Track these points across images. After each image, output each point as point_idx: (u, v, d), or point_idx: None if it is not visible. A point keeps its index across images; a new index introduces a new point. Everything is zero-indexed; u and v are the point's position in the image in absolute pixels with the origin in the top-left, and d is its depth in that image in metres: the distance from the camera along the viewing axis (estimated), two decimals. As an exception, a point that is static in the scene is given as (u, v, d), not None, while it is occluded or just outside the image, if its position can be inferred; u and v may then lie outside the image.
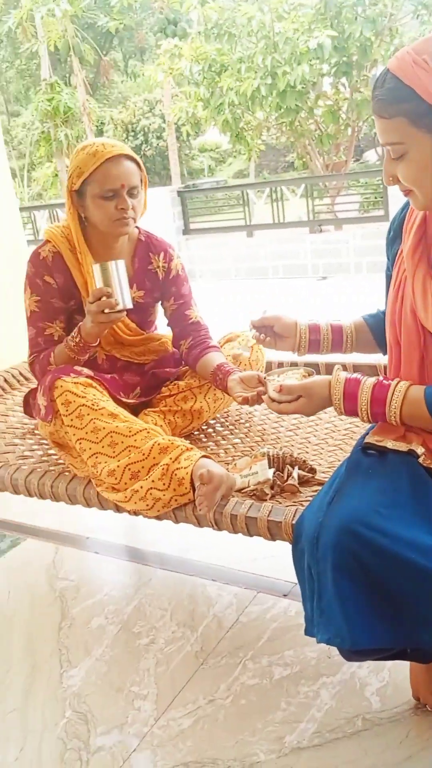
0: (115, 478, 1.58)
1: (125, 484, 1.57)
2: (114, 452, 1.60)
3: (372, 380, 1.32)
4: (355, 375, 1.35)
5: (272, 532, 1.42)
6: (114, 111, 20.81)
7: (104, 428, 1.61)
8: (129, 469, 1.57)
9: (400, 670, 1.58)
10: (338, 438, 1.89)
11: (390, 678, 1.59)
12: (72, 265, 1.84)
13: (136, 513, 1.61)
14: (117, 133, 20.64)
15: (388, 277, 1.46)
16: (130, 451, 1.59)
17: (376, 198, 8.61)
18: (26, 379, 2.56)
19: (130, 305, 1.67)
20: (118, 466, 1.58)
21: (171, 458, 1.56)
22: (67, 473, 1.79)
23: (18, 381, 2.54)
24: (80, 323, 1.74)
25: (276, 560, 2.01)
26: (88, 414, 1.63)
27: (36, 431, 2.12)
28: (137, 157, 1.81)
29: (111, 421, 1.63)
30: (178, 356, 2.02)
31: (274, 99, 8.56)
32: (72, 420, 1.64)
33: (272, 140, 10.93)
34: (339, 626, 1.14)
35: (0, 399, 2.42)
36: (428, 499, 1.21)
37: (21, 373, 2.57)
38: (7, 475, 1.82)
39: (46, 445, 2.02)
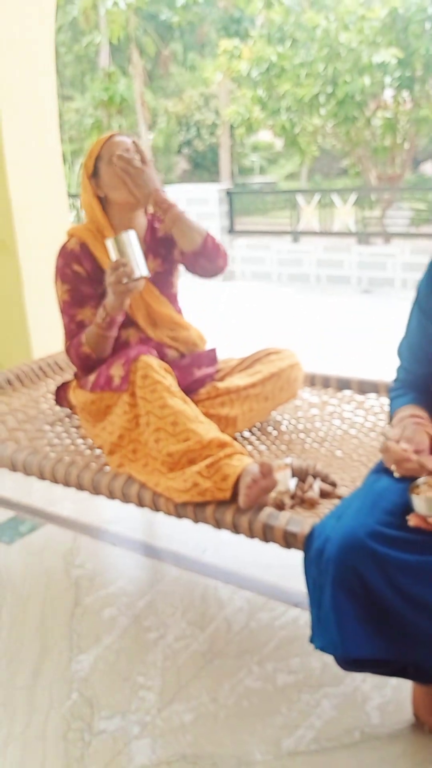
0: (173, 459, 1.64)
1: (181, 466, 1.63)
2: (175, 431, 1.65)
3: None
4: None
5: (288, 541, 1.45)
6: (169, 102, 20.91)
7: (172, 407, 1.68)
8: (187, 455, 1.63)
9: (403, 688, 1.60)
10: (363, 454, 1.91)
11: (392, 695, 1.61)
12: (98, 252, 1.94)
13: (165, 495, 1.63)
14: (170, 125, 20.74)
15: (430, 316, 1.42)
16: (189, 435, 1.64)
17: (428, 214, 8.52)
18: (61, 368, 2.63)
19: (146, 273, 1.74)
20: (177, 450, 1.64)
21: (225, 453, 1.61)
22: (93, 464, 1.85)
23: (53, 370, 2.62)
24: (104, 300, 1.82)
25: (290, 569, 2.03)
26: (162, 391, 1.70)
27: (66, 418, 2.18)
28: (136, 139, 1.96)
29: (180, 403, 1.70)
30: (213, 355, 2.06)
31: (332, 107, 8.53)
32: (145, 393, 1.71)
33: (327, 146, 10.89)
34: (333, 635, 1.21)
35: (34, 386, 2.49)
36: None
37: (56, 363, 2.65)
38: (35, 461, 1.88)
39: (75, 433, 2.08)
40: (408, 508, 1.27)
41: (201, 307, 6.21)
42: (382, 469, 1.40)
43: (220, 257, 1.95)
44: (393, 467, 1.30)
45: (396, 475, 1.30)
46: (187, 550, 2.25)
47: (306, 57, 8.63)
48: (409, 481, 1.30)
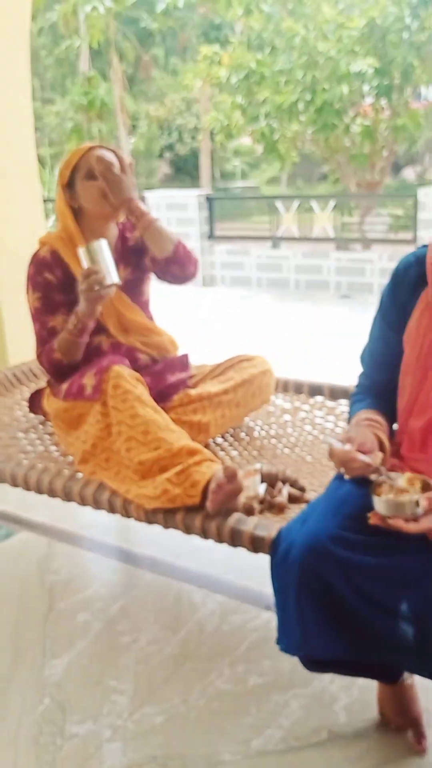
0: (145, 468, 1.66)
1: (153, 474, 1.66)
2: (146, 440, 1.68)
3: None
4: None
5: (255, 545, 1.49)
6: (150, 107, 20.93)
7: (143, 416, 1.71)
8: (158, 463, 1.66)
9: (370, 688, 1.64)
10: (332, 459, 1.94)
11: (359, 694, 1.65)
12: (69, 259, 1.97)
13: (136, 501, 1.66)
14: (152, 130, 20.76)
15: (393, 326, 1.45)
16: (160, 444, 1.67)
17: (406, 220, 8.62)
18: (35, 376, 2.65)
19: (117, 280, 1.78)
20: (148, 458, 1.66)
21: (195, 461, 1.64)
22: (66, 471, 1.87)
23: (27, 377, 2.63)
24: (76, 307, 1.85)
25: (263, 573, 2.02)
26: (133, 401, 1.73)
27: (40, 425, 2.20)
28: (117, 150, 1.97)
29: (151, 412, 1.73)
30: (185, 360, 2.09)
31: (311, 114, 8.62)
32: (116, 403, 1.74)
33: (307, 152, 10.99)
34: (296, 637, 1.25)
35: (8, 393, 2.51)
36: (399, 532, 1.27)
37: (31, 370, 2.66)
38: (8, 468, 1.90)
39: (49, 440, 2.10)
40: (368, 511, 1.30)
41: (181, 312, 6.25)
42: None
43: (191, 264, 1.99)
44: (342, 470, 1.32)
45: (346, 477, 1.33)
46: (161, 554, 2.28)
47: (285, 64, 8.70)
48: (369, 484, 1.34)
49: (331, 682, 1.69)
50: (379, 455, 1.32)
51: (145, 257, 2.05)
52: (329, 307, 6.76)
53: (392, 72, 8.33)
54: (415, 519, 1.21)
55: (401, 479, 1.30)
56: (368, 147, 9.47)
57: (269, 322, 6.19)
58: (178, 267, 1.98)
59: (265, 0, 8.87)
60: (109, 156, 1.93)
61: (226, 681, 1.72)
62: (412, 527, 1.20)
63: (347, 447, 1.30)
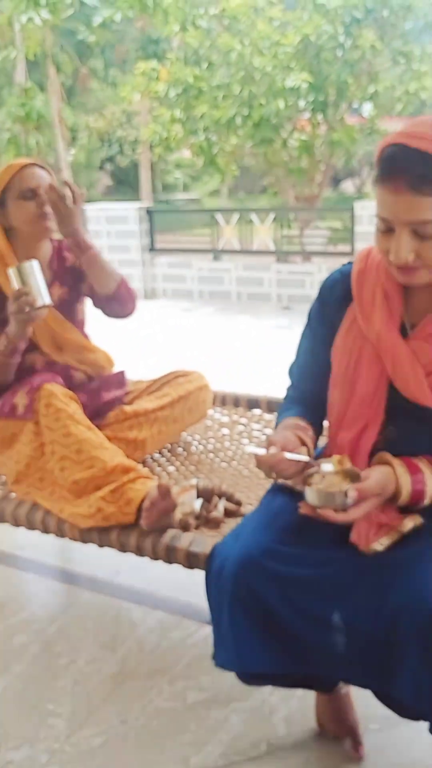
0: (79, 487, 1.65)
1: (87, 493, 1.64)
2: (80, 459, 1.67)
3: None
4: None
5: (191, 561, 1.50)
6: (90, 118, 20.81)
7: (76, 435, 1.69)
8: (92, 482, 1.64)
9: (308, 698, 1.65)
10: (268, 472, 1.96)
11: (298, 705, 1.67)
12: (0, 279, 1.93)
13: (70, 521, 1.65)
14: (92, 142, 20.65)
15: (321, 341, 1.46)
16: (94, 462, 1.66)
17: (344, 233, 8.81)
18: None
19: (48, 301, 1.76)
20: (82, 477, 1.65)
21: (129, 478, 1.63)
22: None
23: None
24: (6, 328, 1.82)
25: (202, 587, 2.06)
26: (66, 419, 1.71)
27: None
28: (48, 168, 1.96)
29: (84, 431, 1.72)
30: (122, 377, 2.08)
31: (249, 129, 8.71)
32: (49, 422, 1.72)
33: (247, 164, 11.12)
34: (231, 652, 1.26)
35: None
36: (331, 544, 1.30)
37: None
38: None
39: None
40: (301, 526, 1.32)
41: (122, 324, 6.20)
42: (278, 489, 1.45)
43: (131, 302, 2.01)
44: (273, 476, 1.31)
45: (280, 481, 1.33)
46: (100, 573, 2.25)
47: (223, 79, 8.80)
48: (300, 497, 1.36)
49: (271, 694, 1.71)
50: (305, 449, 1.32)
51: (83, 282, 2.03)
52: (270, 319, 6.84)
53: (327, 88, 8.50)
54: (344, 510, 1.22)
55: (330, 463, 1.30)
56: (306, 161, 9.64)
57: (211, 335, 6.22)
58: (118, 305, 1.99)
59: (201, 16, 8.95)
60: (44, 180, 1.89)
61: (165, 699, 1.71)
62: (340, 517, 1.22)
63: (272, 450, 1.28)
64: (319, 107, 8.74)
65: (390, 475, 1.25)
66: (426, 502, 1.28)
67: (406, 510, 1.30)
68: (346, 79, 8.33)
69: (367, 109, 9.25)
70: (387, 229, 1.20)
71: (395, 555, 1.23)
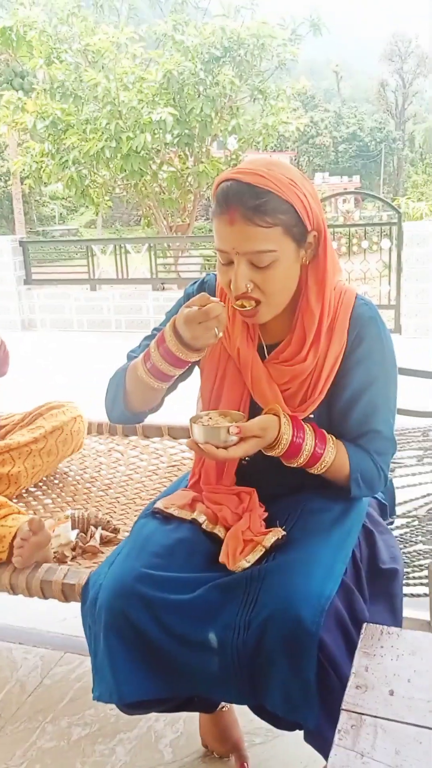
0: None
1: None
2: None
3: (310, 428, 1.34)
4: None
5: (66, 594, 1.48)
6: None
7: None
8: None
9: (194, 720, 1.66)
10: (146, 498, 1.98)
11: (184, 728, 1.68)
12: None
13: None
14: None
15: None
16: None
17: (215, 261, 9.03)
18: None
19: None
20: None
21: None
22: None
23: None
24: None
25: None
26: None
27: None
28: None
29: None
30: None
31: (118, 161, 8.82)
32: None
33: (120, 196, 11.20)
34: (108, 683, 1.24)
35: None
36: (203, 565, 1.32)
37: None
38: None
39: None
40: (173, 549, 1.34)
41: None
42: (149, 514, 1.47)
43: (6, 365, 2.01)
44: (199, 332, 1.24)
45: (156, 507, 1.36)
46: (-23, 615, 2.18)
47: (92, 113, 8.87)
48: (174, 524, 1.38)
49: (156, 720, 1.70)
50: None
51: None
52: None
53: (192, 122, 8.78)
54: (226, 447, 1.25)
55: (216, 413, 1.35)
56: (176, 192, 9.86)
57: (90, 363, 6.17)
58: None
59: (65, 51, 9.00)
60: None
61: (49, 739, 1.67)
62: (221, 454, 1.25)
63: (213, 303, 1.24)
64: (185, 140, 9.00)
65: (274, 421, 1.29)
66: (301, 460, 1.32)
67: (270, 524, 1.36)
68: (209, 113, 8.64)
69: (232, 142, 9.62)
70: (227, 262, 1.27)
71: (260, 569, 1.27)
